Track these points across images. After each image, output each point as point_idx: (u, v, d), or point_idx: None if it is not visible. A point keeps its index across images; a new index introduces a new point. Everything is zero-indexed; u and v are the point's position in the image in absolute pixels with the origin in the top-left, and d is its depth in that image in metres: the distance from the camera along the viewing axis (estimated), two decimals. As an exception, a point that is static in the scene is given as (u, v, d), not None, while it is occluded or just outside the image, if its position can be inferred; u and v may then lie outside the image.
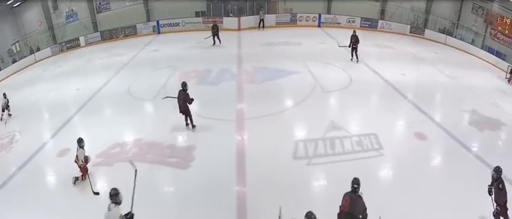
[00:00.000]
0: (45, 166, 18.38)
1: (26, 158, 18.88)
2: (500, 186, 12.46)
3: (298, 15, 47.06)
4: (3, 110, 24.87)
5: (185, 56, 33.69)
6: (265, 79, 27.56)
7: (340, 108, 23.38)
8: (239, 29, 45.61)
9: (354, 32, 31.62)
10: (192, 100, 19.77)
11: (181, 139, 19.73)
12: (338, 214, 11.93)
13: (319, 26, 46.49)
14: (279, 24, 46.66)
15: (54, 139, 20.94)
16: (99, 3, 47.39)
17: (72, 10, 46.32)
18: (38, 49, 41.89)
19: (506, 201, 12.47)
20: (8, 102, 25.09)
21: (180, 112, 20.26)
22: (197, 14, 48.33)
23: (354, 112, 22.51)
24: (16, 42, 42.02)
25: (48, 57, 40.44)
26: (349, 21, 46.02)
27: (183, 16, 47.01)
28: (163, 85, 27.24)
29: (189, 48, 36.68)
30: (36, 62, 39.68)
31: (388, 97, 24.69)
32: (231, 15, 47.41)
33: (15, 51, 40.98)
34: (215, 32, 38.32)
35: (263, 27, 45.38)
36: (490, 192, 12.83)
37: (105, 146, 18.90)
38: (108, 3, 47.92)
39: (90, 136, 19.80)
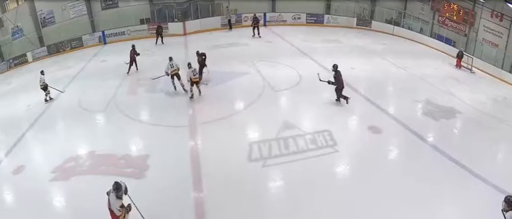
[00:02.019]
0: (1, 184, 17.90)
1: (-20, 178, 18.28)
2: None
3: (243, 15, 47.25)
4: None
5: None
6: (216, 82, 27.67)
7: (292, 106, 23.71)
8: (185, 34, 45.50)
9: (255, 14, 32.09)
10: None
11: (135, 148, 19.61)
12: None
13: (264, 25, 46.76)
14: (225, 26, 46.70)
15: (9, 156, 20.43)
16: (44, 17, 46.48)
17: (18, 26, 45.31)
18: (-15, 68, 40.99)
19: None
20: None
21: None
22: (142, 22, 48.04)
23: (305, 109, 22.87)
24: (-40, 61, 41.05)
25: (-4, 75, 39.61)
26: (294, 18, 46.60)
27: (128, 24, 46.62)
28: (113, 95, 27.05)
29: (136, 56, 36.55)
30: (-16, 81, 38.76)
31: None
32: (175, 20, 47.18)
33: (-40, 72, 40.04)
34: (159, 32, 40.71)
35: (230, 28, 45.74)
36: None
37: (59, 161, 18.60)
38: (53, 16, 47.04)
39: (44, 151, 19.98)
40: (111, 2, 48.74)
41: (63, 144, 20.74)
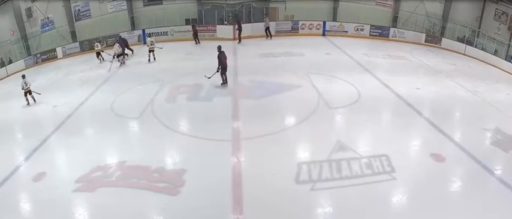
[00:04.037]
0: (19, 191, 18.15)
1: (-4, 184, 18.73)
2: None
3: (301, 22, 47.24)
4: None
5: (174, 68, 33.75)
6: (263, 94, 27.58)
7: (348, 126, 23.38)
8: (234, 39, 45.67)
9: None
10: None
11: (171, 161, 19.64)
12: None
13: (323, 34, 46.75)
14: (280, 33, 46.89)
15: (29, 161, 20.74)
16: (78, 9, 47.41)
17: (48, 18, 46.37)
18: (10, 62, 42.00)
19: None
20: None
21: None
22: (187, 22, 48.49)
23: (362, 130, 22.51)
24: (-17, 53, 42.09)
25: (21, 70, 40.34)
26: (357, 30, 46.26)
27: (171, 24, 47.36)
28: (150, 101, 27.33)
29: (178, 60, 36.88)
30: (7, 76, 39.83)
31: (401, 113, 24.69)
32: (225, 23, 47.55)
33: (-16, 63, 41.07)
34: (195, 33, 42.46)
35: (270, 36, 45.64)
36: None
37: (85, 170, 18.75)
38: (88, 10, 48.01)
39: (68, 158, 20.06)
40: (154, -1, 49.50)
41: (91, 151, 20.93)
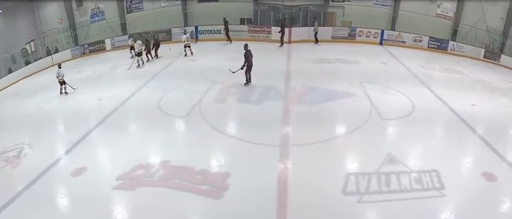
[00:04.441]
0: (57, 186, 18.73)
1: (34, 176, 19.27)
2: None
3: (358, 29, 47.10)
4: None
5: (225, 69, 33.79)
6: (315, 101, 27.68)
7: (399, 138, 23.31)
8: (289, 42, 46.02)
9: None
10: None
11: (216, 164, 19.96)
12: None
13: (381, 43, 46.49)
14: (336, 39, 46.86)
15: (69, 155, 21.40)
16: (131, 1, 48.26)
17: (99, 8, 47.36)
18: (57, 51, 42.97)
19: None
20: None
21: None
22: (242, 21, 49.17)
23: (414, 144, 22.41)
24: (31, 40, 43.09)
25: (67, 60, 41.42)
26: (415, 40, 45.84)
27: (226, 22, 47.54)
28: (199, 100, 27.80)
29: (230, 60, 36.96)
30: (53, 65, 40.52)
31: (454, 129, 24.39)
32: (297, 25, 47.78)
33: (29, 51, 42.12)
34: (226, 29, 43.26)
35: (316, 41, 45.70)
36: None
37: (127, 167, 19.27)
38: (141, 2, 49.15)
39: (110, 154, 20.59)
40: (211, -6, 50.08)
41: (134, 148, 21.47)
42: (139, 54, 37.35)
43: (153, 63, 38.53)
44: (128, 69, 37.17)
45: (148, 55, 39.54)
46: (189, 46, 40.62)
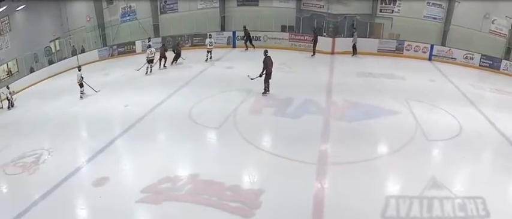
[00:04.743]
0: (77, 196, 18.72)
1: (53, 185, 19.23)
2: None
3: (406, 43, 46.50)
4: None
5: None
6: (357, 117, 27.31)
7: (445, 161, 22.81)
8: (333, 53, 45.68)
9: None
10: None
11: (248, 180, 19.83)
12: None
13: (429, 59, 45.79)
14: (382, 52, 46.27)
15: (91, 163, 21.41)
16: (165, 1, 48.38)
17: (130, 7, 47.60)
18: (83, 51, 43.34)
19: None
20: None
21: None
22: (283, 29, 48.84)
23: (460, 168, 21.93)
24: (56, 38, 43.42)
25: (94, 62, 41.78)
26: (466, 58, 45.03)
27: (265, 29, 47.75)
28: (233, 111, 27.62)
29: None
30: (78, 66, 40.67)
31: (503, 154, 23.61)
32: (324, 34, 47.39)
33: (53, 50, 42.47)
34: (247, 36, 43.25)
35: (354, 53, 45.27)
36: None
37: (153, 179, 19.13)
38: (176, 3, 49.22)
39: (135, 165, 20.49)
40: (250, -1, 50.22)
41: (161, 160, 21.36)
42: (150, 61, 37.52)
43: (186, 68, 38.41)
44: (137, 70, 37.82)
45: (161, 62, 39.59)
46: (210, 52, 41.22)
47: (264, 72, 29.72)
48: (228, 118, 26.42)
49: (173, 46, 41.30)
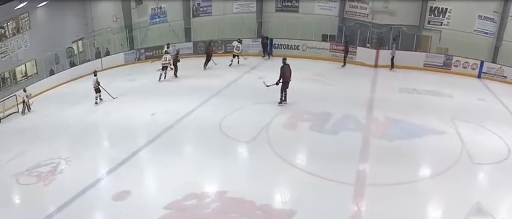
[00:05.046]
0: (95, 210, 18.79)
1: (69, 197, 19.24)
2: None
3: (454, 58, 45.99)
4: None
5: (300, 90, 33.53)
6: (399, 136, 26.94)
7: (491, 186, 22.52)
8: (376, 66, 45.27)
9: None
10: None
11: (280, 199, 19.66)
12: None
13: (479, 76, 45.14)
14: (428, 67, 45.66)
15: (112, 175, 21.45)
16: (198, 3, 48.43)
17: (161, 8, 47.64)
18: (107, 53, 43.63)
19: None
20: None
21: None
22: (324, 38, 48.54)
23: (506, 194, 21.67)
24: (79, 39, 43.67)
25: (119, 66, 41.84)
26: None
27: (305, 37, 47.37)
28: (266, 124, 27.47)
29: (306, 81, 36.88)
30: (102, 70, 41.05)
31: None
32: (367, 45, 47.12)
33: (76, 51, 42.72)
34: (265, 43, 43.78)
35: (392, 66, 44.80)
36: None
37: (177, 195, 19.03)
38: (210, 5, 49.29)
39: (159, 179, 20.47)
40: (290, 4, 50.12)
41: (187, 174, 21.31)
42: (164, 68, 37.92)
43: (217, 77, 38.42)
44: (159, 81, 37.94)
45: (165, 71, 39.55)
46: (237, 56, 41.85)
47: (281, 80, 29.75)
48: (260, 131, 26.30)
49: (205, 49, 41.38)
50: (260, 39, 46.41)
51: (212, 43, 42.66)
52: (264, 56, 46.09)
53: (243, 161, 24.08)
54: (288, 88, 30.15)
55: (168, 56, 38.24)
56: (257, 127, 26.81)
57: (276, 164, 21.88)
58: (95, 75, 32.34)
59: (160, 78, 37.90)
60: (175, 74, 39.47)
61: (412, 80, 40.32)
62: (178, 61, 39.65)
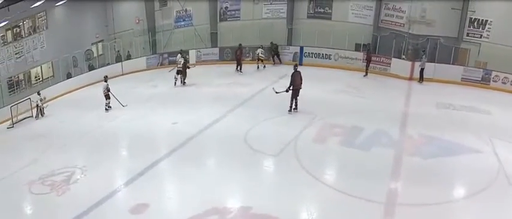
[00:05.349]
0: (110, 222, 18.90)
1: (84, 209, 19.42)
2: None
3: (494, 73, 45.67)
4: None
5: (330, 102, 34.01)
6: (433, 154, 26.67)
7: None
8: (411, 78, 45.04)
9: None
10: None
11: (306, 216, 19.80)
12: None
13: (515, 92, 45.09)
14: (466, 81, 45.34)
15: (130, 187, 21.65)
16: (226, 7, 48.62)
17: (187, 11, 47.71)
18: (129, 57, 43.84)
19: None
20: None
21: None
22: (357, 47, 48.28)
23: None
24: (99, 41, 43.94)
25: (141, 71, 42.05)
26: None
27: (338, 47, 47.33)
28: (294, 137, 27.51)
29: (337, 92, 37.05)
30: (122, 74, 41.32)
31: None
32: (403, 57, 46.92)
33: (95, 54, 42.93)
34: (275, 51, 44.48)
35: (421, 79, 44.74)
36: None
37: (198, 210, 19.10)
38: (238, 10, 49.44)
39: (180, 192, 20.63)
40: (322, 11, 49.97)
41: (209, 187, 21.41)
42: (178, 72, 38.66)
43: (244, 86, 38.68)
44: (175, 86, 38.44)
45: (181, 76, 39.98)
46: (262, 61, 43.35)
47: (291, 88, 30.10)
48: (288, 145, 26.35)
49: (234, 54, 41.68)
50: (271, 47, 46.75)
51: (241, 47, 42.86)
52: (273, 63, 46.50)
53: (268, 176, 24.21)
54: (298, 96, 30.67)
55: (182, 60, 38.97)
56: (285, 139, 26.88)
57: (303, 179, 21.99)
58: (106, 81, 32.89)
59: (175, 83, 38.62)
60: (184, 82, 39.89)
61: (448, 95, 40.14)
62: (188, 67, 40.15)
